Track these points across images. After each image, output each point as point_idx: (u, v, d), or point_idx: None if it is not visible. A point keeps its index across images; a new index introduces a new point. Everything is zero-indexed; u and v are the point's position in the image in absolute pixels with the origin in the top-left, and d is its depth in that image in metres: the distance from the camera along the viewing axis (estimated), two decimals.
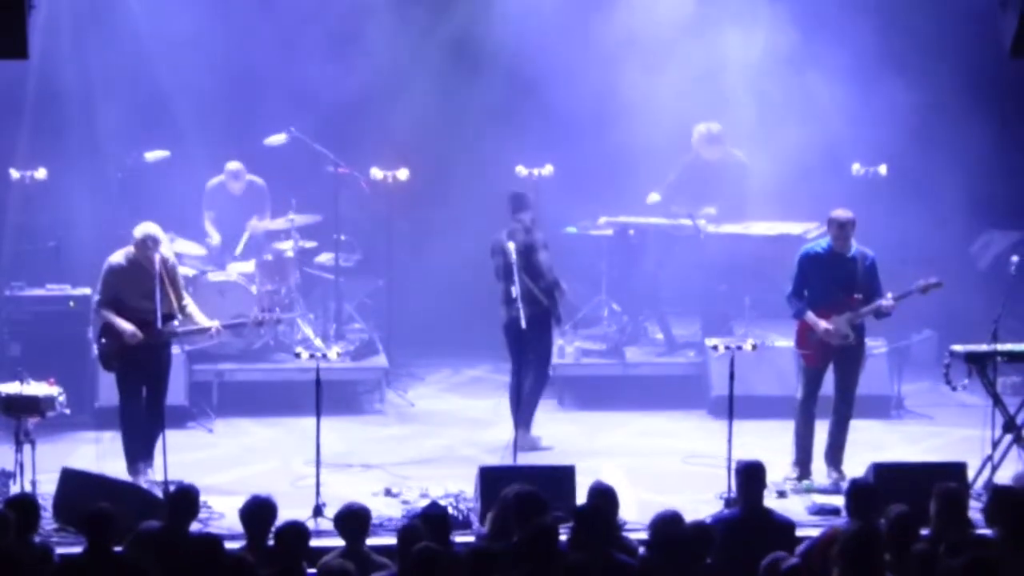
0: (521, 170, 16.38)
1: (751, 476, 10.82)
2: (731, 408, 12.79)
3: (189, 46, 16.82)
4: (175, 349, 14.07)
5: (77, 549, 10.45)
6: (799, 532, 10.86)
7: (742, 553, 9.93)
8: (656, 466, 14.11)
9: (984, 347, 13.35)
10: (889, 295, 13.42)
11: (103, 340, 13.33)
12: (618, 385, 16.25)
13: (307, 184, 16.75)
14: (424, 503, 12.11)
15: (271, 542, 10.07)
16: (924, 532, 10.12)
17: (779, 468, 13.24)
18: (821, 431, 13.60)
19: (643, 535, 10.44)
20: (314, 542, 10.32)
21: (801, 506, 12.80)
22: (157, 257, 13.17)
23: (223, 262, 16.40)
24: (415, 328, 17.19)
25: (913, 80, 16.82)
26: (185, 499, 10.57)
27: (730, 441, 12.66)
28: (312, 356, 13.12)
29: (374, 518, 10.80)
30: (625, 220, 16.67)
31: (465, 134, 17.46)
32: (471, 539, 10.97)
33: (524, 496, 10.26)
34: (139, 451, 13.20)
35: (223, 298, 15.65)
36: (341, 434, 14.81)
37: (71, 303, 15.46)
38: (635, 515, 11.95)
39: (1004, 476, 12.76)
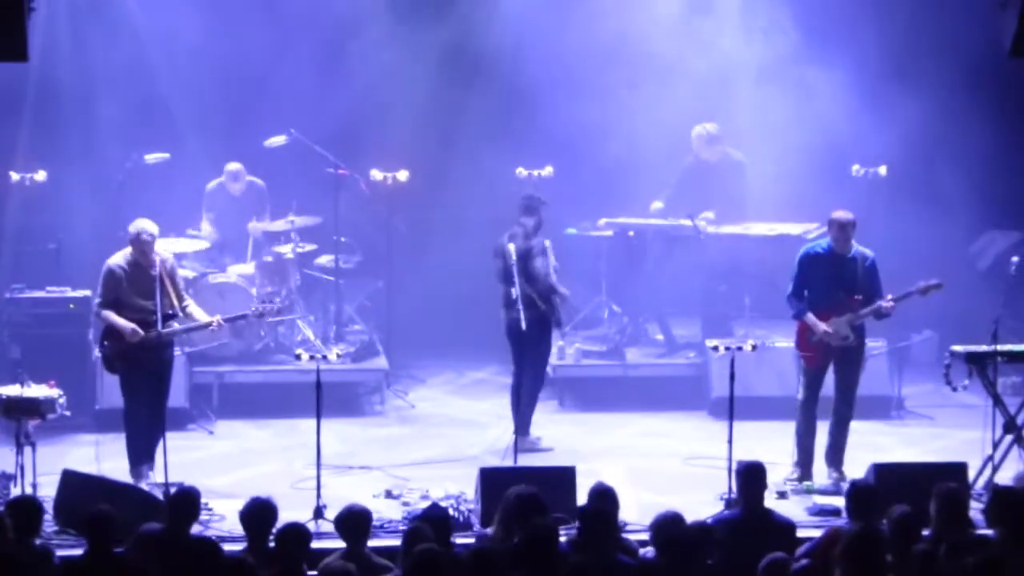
0: (521, 171, 16.37)
1: (752, 477, 10.82)
2: (731, 409, 12.79)
3: (189, 49, 16.84)
4: (176, 351, 14.06)
5: (78, 551, 10.47)
6: (799, 533, 10.86)
7: (743, 554, 9.92)
8: (657, 467, 14.11)
9: (984, 347, 13.34)
10: (889, 296, 13.42)
11: (105, 343, 13.33)
12: (618, 386, 16.25)
13: (307, 186, 16.74)
14: (425, 505, 12.11)
15: (272, 544, 10.06)
16: (925, 533, 10.12)
17: (779, 469, 13.24)
18: (822, 432, 13.60)
19: (644, 536, 10.45)
20: (315, 544, 10.32)
21: (801, 507, 12.80)
22: (157, 258, 13.18)
23: (223, 264, 16.40)
24: (415, 329, 17.18)
25: (913, 81, 16.83)
26: (186, 501, 10.56)
27: (730, 442, 12.65)
28: (312, 358, 13.11)
29: (375, 520, 10.79)
30: (625, 221, 16.66)
31: (465, 135, 17.45)
32: (472, 540, 10.96)
33: (524, 497, 10.27)
34: (142, 453, 13.20)
35: (223, 300, 15.63)
36: (341, 436, 14.81)
37: (71, 305, 15.47)
38: (636, 516, 11.95)
39: (1005, 476, 12.76)
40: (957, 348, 13.53)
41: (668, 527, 9.95)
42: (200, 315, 13.50)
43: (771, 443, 13.89)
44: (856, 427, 13.75)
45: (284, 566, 9.71)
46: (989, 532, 10.15)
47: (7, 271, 16.24)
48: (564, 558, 9.63)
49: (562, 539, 9.96)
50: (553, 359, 15.54)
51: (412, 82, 17.39)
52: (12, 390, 12.78)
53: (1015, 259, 13.74)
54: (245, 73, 17.03)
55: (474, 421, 15.62)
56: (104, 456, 13.44)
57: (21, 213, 16.53)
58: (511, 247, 14.28)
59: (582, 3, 16.96)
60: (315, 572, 9.76)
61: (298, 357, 13.35)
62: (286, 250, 16.34)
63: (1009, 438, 13.19)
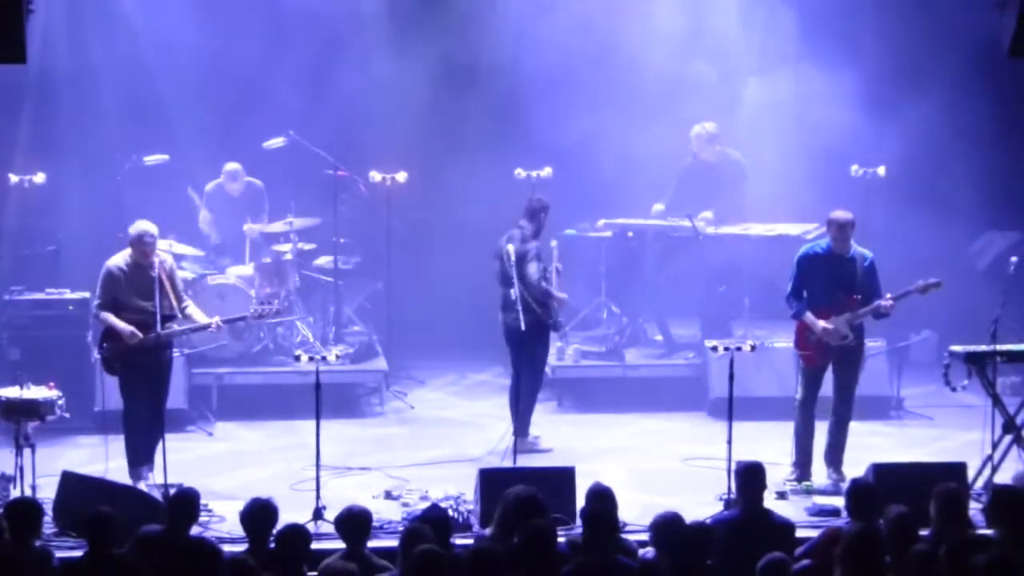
0: (520, 172, 16.35)
1: (751, 477, 10.81)
2: (731, 409, 12.79)
3: (188, 51, 16.85)
4: (175, 352, 14.05)
5: (77, 553, 10.46)
6: (799, 533, 10.85)
7: (742, 554, 9.92)
8: (656, 467, 14.12)
9: (983, 347, 13.34)
10: (888, 296, 13.42)
11: (104, 344, 13.32)
12: (618, 387, 16.25)
13: (306, 187, 16.74)
14: (424, 505, 12.10)
15: (272, 545, 10.06)
16: (924, 533, 10.11)
17: (779, 469, 13.24)
18: (821, 432, 13.60)
19: (643, 536, 10.44)
20: (315, 545, 10.32)
21: (801, 507, 12.80)
22: (156, 260, 13.18)
23: (222, 265, 16.40)
24: (414, 330, 17.18)
25: (912, 81, 16.85)
26: (185, 502, 10.55)
27: (730, 442, 12.65)
28: (312, 359, 13.10)
29: (375, 521, 10.79)
30: (624, 222, 16.67)
31: (464, 137, 17.45)
32: (471, 541, 10.95)
33: (523, 498, 10.27)
34: (141, 454, 13.20)
35: (223, 301, 15.63)
36: (341, 437, 14.80)
37: (70, 307, 15.47)
38: (635, 516, 11.95)
39: (1004, 476, 12.75)
40: (956, 348, 13.52)
41: (668, 527, 9.94)
42: (199, 316, 13.50)
43: (770, 443, 13.89)
44: (855, 427, 13.75)
45: (284, 567, 9.72)
46: (989, 532, 10.14)
47: (6, 273, 16.24)
48: (563, 558, 9.63)
49: (560, 539, 9.96)
50: (552, 360, 15.56)
51: (411, 85, 17.40)
52: (12, 392, 12.77)
53: (1014, 259, 13.73)
54: (244, 75, 17.05)
55: (473, 422, 15.63)
56: (104, 457, 13.43)
57: (20, 215, 16.55)
58: (510, 248, 14.28)
59: (579, 9, 16.98)
60: (315, 573, 9.76)
61: (297, 358, 13.35)
62: (285, 250, 16.34)
63: (1008, 438, 13.19)
